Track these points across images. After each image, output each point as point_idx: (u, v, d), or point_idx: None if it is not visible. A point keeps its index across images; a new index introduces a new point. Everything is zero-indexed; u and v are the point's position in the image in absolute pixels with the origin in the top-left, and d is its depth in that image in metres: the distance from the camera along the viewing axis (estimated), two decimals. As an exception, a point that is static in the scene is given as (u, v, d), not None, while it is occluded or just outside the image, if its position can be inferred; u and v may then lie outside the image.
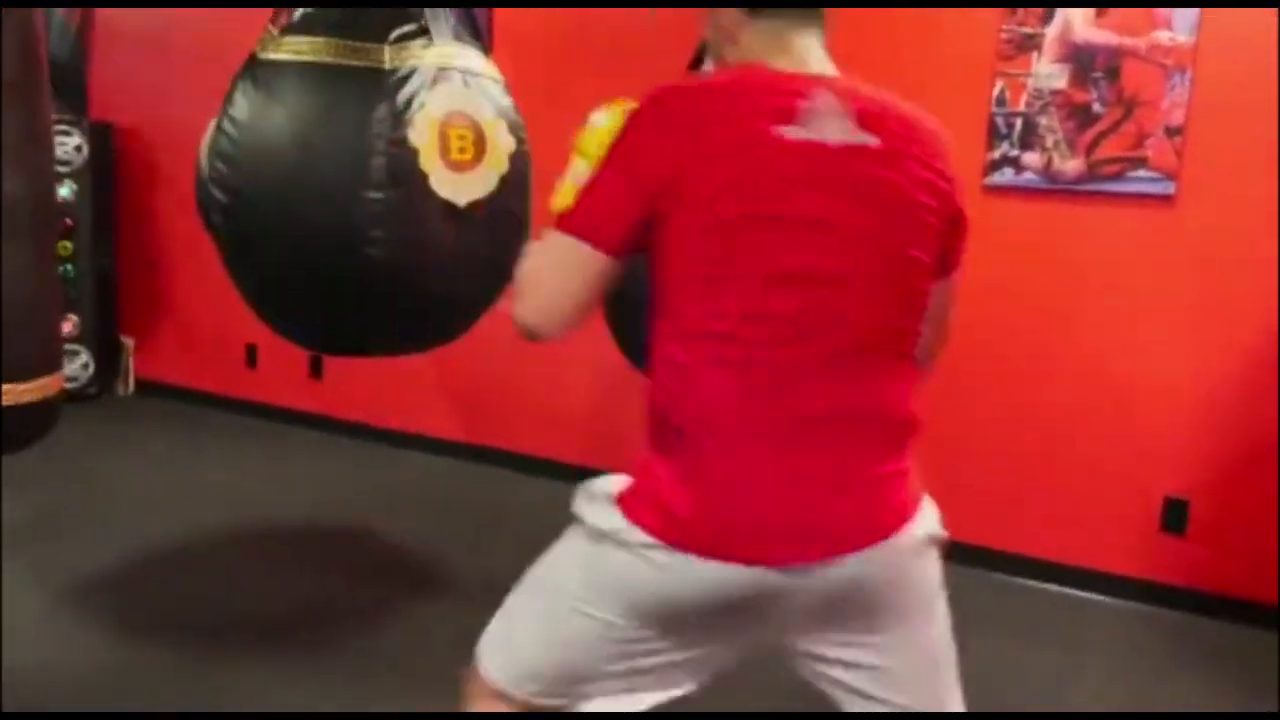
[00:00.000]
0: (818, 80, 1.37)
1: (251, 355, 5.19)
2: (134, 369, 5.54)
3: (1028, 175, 3.45)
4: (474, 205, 2.13)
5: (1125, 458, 3.43)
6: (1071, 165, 3.40)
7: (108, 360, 5.41)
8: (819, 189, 1.30)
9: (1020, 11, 3.41)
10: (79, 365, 5.18)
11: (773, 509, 1.28)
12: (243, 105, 2.12)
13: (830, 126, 1.31)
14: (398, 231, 2.09)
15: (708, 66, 2.36)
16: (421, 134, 2.06)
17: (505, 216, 2.22)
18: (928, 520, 1.39)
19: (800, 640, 1.41)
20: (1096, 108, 3.35)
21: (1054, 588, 3.50)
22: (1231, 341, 3.29)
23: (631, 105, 1.40)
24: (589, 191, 1.33)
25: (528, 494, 4.29)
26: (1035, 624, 3.21)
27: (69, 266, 5.06)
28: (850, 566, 1.30)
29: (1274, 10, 3.09)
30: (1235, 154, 3.23)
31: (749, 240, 1.28)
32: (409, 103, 2.06)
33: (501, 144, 2.19)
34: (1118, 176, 3.35)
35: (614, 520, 1.34)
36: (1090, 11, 3.32)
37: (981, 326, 3.46)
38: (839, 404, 1.31)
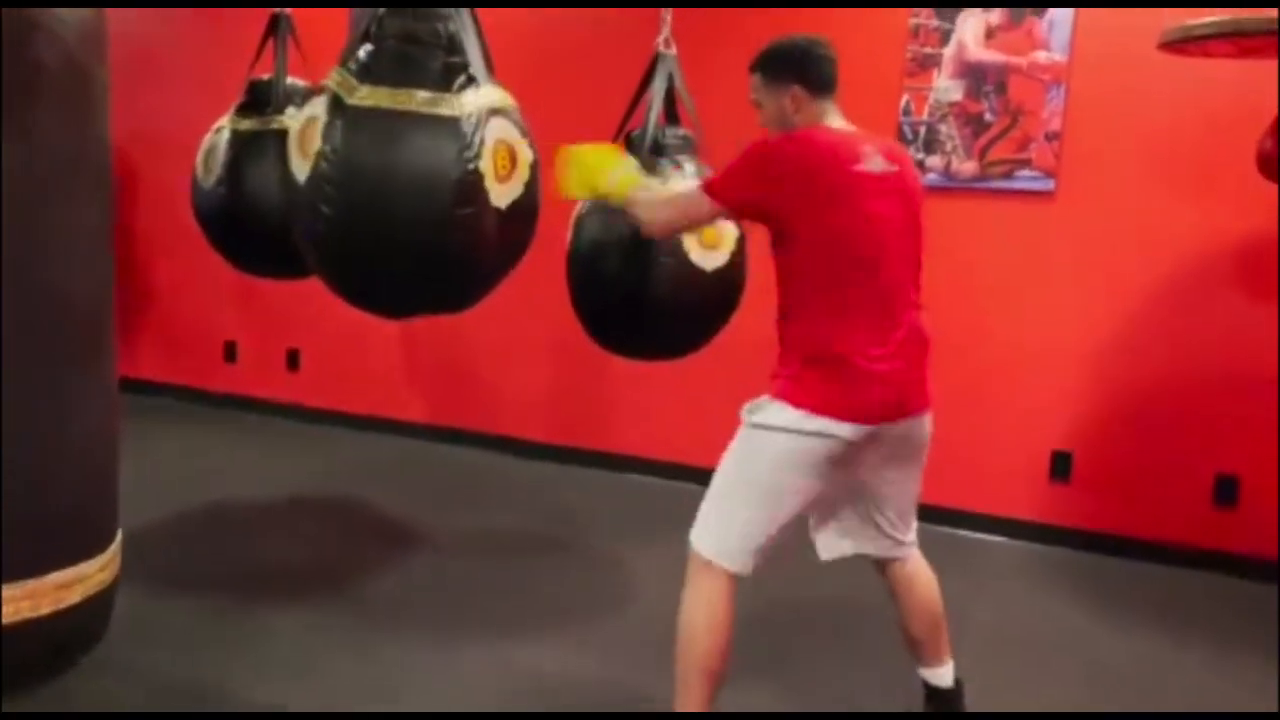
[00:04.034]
0: (862, 135, 2.19)
1: (230, 351, 5.55)
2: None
3: (931, 176, 3.97)
4: (511, 205, 2.70)
5: (1017, 418, 3.97)
6: (968, 166, 3.93)
7: (89, 360, 5.69)
8: (875, 197, 2.11)
9: (921, 34, 3.93)
10: (64, 364, 5.47)
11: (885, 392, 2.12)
12: (338, 140, 2.52)
13: (876, 163, 2.13)
14: (474, 235, 2.65)
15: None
16: (485, 161, 2.62)
17: (527, 209, 2.80)
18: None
19: (866, 470, 2.20)
20: (988, 117, 3.88)
21: (955, 531, 4.02)
22: (1104, 313, 3.83)
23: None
24: (724, 180, 2.17)
25: (496, 468, 4.72)
26: (938, 562, 3.66)
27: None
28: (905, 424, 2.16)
29: (1134, 30, 3.63)
30: (1104, 154, 3.78)
31: (851, 236, 2.08)
32: (474, 139, 2.59)
33: (524, 158, 2.75)
34: (1007, 176, 3.89)
35: (792, 415, 2.06)
36: (981, 34, 3.86)
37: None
38: (901, 328, 2.12)
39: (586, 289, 3.22)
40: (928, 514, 4.21)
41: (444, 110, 2.56)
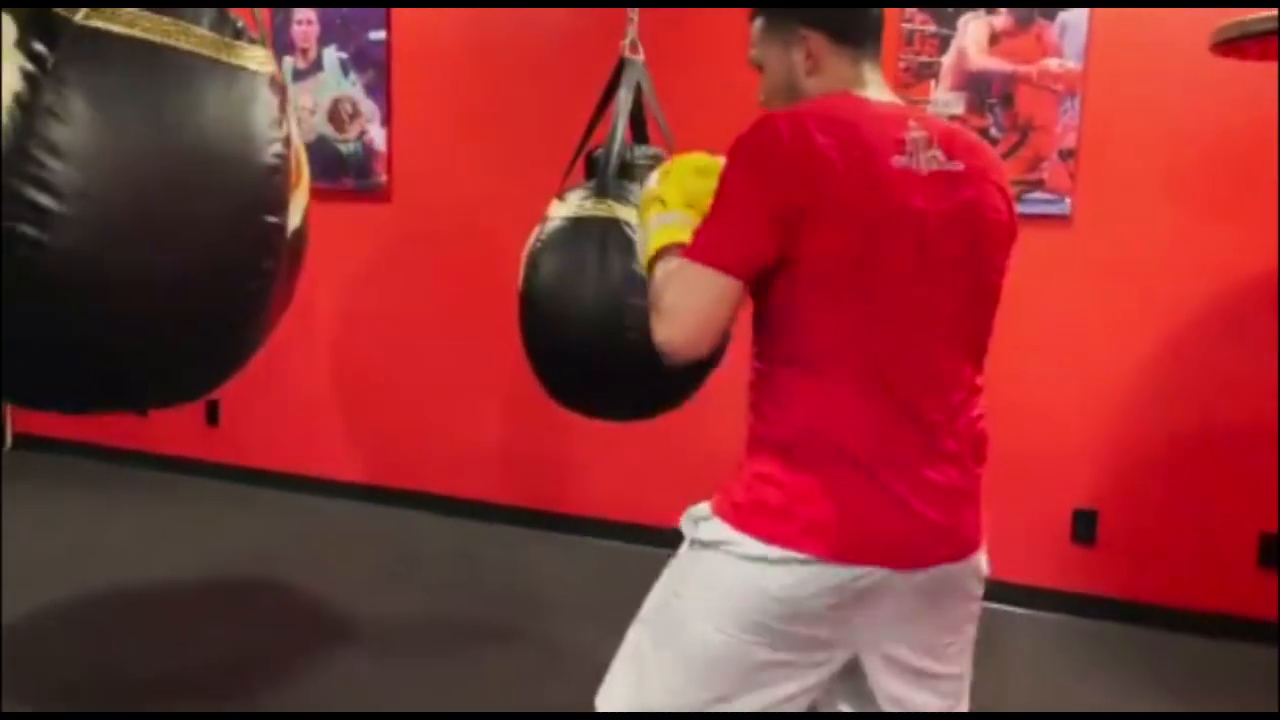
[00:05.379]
0: (908, 111, 1.48)
1: (141, 404, 4.98)
2: (11, 424, 5.25)
3: (930, 199, 3.53)
4: (294, 235, 2.09)
5: (1034, 472, 3.51)
6: (972, 189, 3.49)
7: (-18, 415, 5.12)
8: (920, 213, 1.39)
9: (916, 41, 3.50)
10: (-50, 421, 4.86)
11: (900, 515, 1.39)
12: (73, 82, 1.60)
13: (924, 156, 1.41)
14: (276, 260, 1.94)
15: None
16: (290, 155, 1.85)
17: (301, 249, 2.22)
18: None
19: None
20: (994, 133, 3.46)
21: (973, 603, 3.57)
22: (1128, 354, 3.41)
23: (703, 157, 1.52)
24: (719, 223, 1.37)
25: (440, 535, 4.21)
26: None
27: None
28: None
29: (1156, 35, 3.23)
30: (1125, 174, 3.36)
31: (874, 269, 1.37)
32: (285, 115, 1.82)
33: (305, 168, 2.14)
34: (1017, 198, 3.44)
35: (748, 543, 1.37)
36: (984, 39, 3.43)
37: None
38: (949, 418, 1.44)
39: (542, 336, 2.74)
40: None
41: (245, 62, 1.75)
